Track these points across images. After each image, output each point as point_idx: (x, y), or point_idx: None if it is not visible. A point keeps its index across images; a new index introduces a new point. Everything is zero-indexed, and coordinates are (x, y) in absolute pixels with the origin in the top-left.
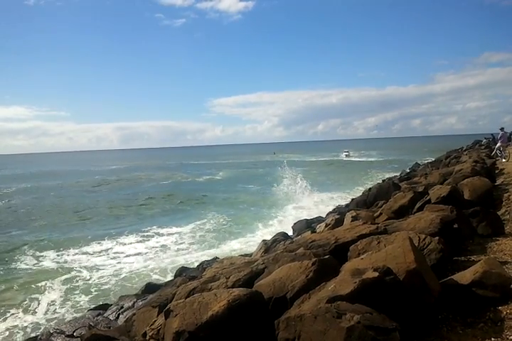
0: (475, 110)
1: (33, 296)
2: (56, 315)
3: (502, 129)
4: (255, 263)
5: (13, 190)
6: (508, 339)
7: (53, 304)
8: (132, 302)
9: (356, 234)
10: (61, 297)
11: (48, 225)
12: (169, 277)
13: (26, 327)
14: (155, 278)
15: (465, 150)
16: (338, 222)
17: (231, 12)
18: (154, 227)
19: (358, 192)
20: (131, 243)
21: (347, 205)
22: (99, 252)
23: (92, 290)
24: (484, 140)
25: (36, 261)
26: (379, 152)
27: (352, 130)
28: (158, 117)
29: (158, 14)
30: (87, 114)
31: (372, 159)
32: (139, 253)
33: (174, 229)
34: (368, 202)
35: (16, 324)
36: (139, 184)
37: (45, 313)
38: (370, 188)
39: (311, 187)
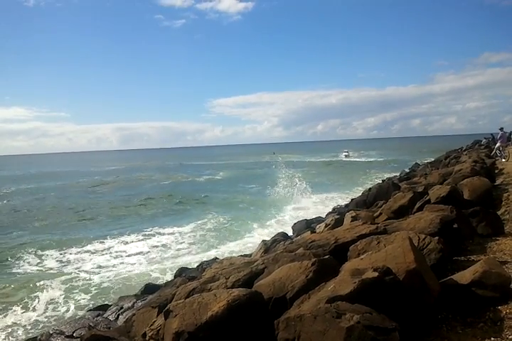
0: (474, 110)
1: (33, 295)
2: (56, 313)
3: (501, 129)
4: (255, 264)
5: (13, 190)
6: (507, 338)
7: (53, 302)
8: (132, 302)
9: (356, 234)
10: (61, 295)
11: (49, 225)
12: (169, 277)
13: (26, 325)
14: (154, 278)
15: (465, 151)
16: (338, 222)
17: (231, 13)
18: (154, 228)
19: (357, 192)
20: (132, 242)
21: (347, 205)
22: (100, 252)
23: (92, 289)
24: (484, 140)
25: (37, 261)
26: (378, 152)
27: (351, 130)
28: (157, 118)
29: (158, 15)
30: (86, 114)
31: (372, 159)
32: (138, 254)
33: (174, 229)
34: (367, 202)
35: (16, 322)
36: (139, 184)
37: (45, 311)
38: (369, 188)
39: (310, 189)
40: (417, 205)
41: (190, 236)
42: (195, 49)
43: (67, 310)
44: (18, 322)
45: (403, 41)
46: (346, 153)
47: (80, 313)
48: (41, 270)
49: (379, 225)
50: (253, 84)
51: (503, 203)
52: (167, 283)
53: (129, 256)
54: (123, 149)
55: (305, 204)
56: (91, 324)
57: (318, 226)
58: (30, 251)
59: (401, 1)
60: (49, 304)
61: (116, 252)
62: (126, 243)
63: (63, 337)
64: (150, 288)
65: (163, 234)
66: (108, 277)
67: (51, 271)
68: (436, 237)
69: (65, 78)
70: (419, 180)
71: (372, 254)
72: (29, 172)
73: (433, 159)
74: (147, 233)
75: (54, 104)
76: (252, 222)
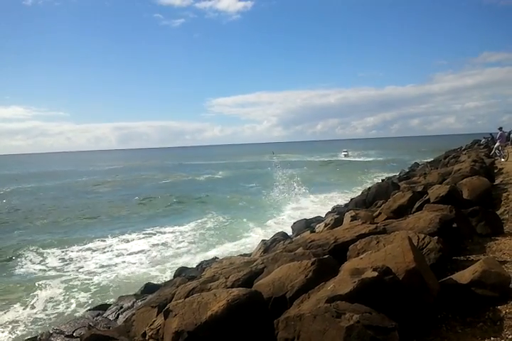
0: (474, 110)
1: (33, 293)
2: (55, 312)
3: (500, 129)
4: (254, 263)
5: (13, 190)
6: (507, 338)
7: (53, 301)
8: (132, 302)
9: (355, 234)
10: (61, 294)
11: (50, 224)
12: (168, 277)
13: (26, 322)
14: (154, 277)
15: (464, 150)
16: (338, 222)
17: (230, 12)
18: (154, 227)
19: (356, 191)
20: (132, 240)
21: (346, 205)
22: (100, 251)
23: (92, 288)
24: (483, 139)
25: (38, 259)
26: (378, 152)
27: (350, 130)
28: (157, 117)
29: (157, 14)
30: (85, 114)
31: (371, 159)
32: (138, 253)
33: (174, 228)
34: (367, 201)
35: (15, 319)
36: (139, 184)
37: (45, 309)
38: (369, 188)
39: (307, 190)
40: (417, 205)
41: (190, 235)
42: (194, 48)
43: (67, 309)
44: (18, 319)
45: (402, 41)
46: (345, 153)
47: (80, 312)
48: (42, 268)
49: (378, 225)
50: (252, 83)
51: (503, 203)
52: (167, 283)
53: (129, 255)
54: (122, 148)
55: (304, 203)
56: (91, 323)
57: (317, 226)
58: (31, 249)
59: (401, 1)
60: (49, 302)
61: (117, 250)
62: (127, 241)
63: (63, 336)
64: (150, 288)
65: (164, 232)
66: (108, 276)
67: (51, 270)
68: (436, 237)
69: (63, 77)
70: (418, 179)
71: (371, 254)
72: (28, 171)
73: (432, 159)
74: (147, 232)
75: (53, 104)
76: (252, 221)
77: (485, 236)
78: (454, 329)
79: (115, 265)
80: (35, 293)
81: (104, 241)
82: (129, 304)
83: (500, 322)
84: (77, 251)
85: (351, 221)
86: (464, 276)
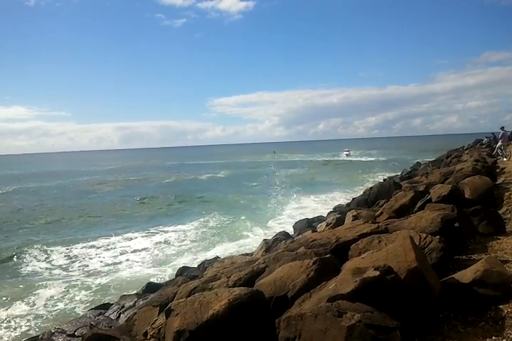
0: (476, 109)
1: (35, 291)
2: (57, 310)
3: (502, 128)
4: (256, 263)
5: (16, 189)
6: (509, 337)
7: (54, 299)
8: (133, 301)
9: (357, 233)
10: (62, 293)
11: (53, 223)
12: (170, 276)
13: (27, 321)
14: (156, 276)
15: (466, 150)
16: (339, 221)
17: (232, 12)
18: (156, 226)
19: (358, 191)
20: (135, 238)
21: (348, 204)
22: (103, 249)
23: (93, 287)
24: (485, 139)
25: (41, 258)
26: (380, 151)
27: (352, 129)
28: (158, 117)
29: (159, 14)
30: (87, 114)
31: (373, 158)
32: (141, 252)
33: (176, 228)
34: (368, 201)
35: (17, 318)
36: (141, 183)
37: (46, 308)
38: (371, 187)
39: (308, 189)
40: (419, 204)
41: (192, 234)
42: (195, 48)
43: (69, 307)
44: (20, 318)
45: (404, 40)
46: (347, 152)
47: (81, 311)
48: (45, 267)
49: (380, 224)
50: (254, 83)
51: (505, 202)
52: (168, 282)
53: (132, 252)
54: (124, 148)
55: (306, 203)
56: (92, 323)
57: (319, 226)
58: (35, 247)
59: (401, 1)
60: (51, 300)
61: (121, 248)
62: (130, 239)
63: (65, 335)
64: (151, 287)
65: (166, 231)
66: (110, 275)
67: (55, 268)
68: (438, 236)
69: (65, 77)
70: (420, 179)
71: (373, 253)
72: (31, 171)
73: (434, 158)
74: (150, 231)
75: (55, 104)
76: (253, 220)
77: (487, 235)
78: (456, 329)
79: (118, 263)
80: (37, 291)
81: (108, 239)
82: (131, 303)
83: (502, 321)
84: (80, 250)
85: (353, 220)
86: (465, 275)
